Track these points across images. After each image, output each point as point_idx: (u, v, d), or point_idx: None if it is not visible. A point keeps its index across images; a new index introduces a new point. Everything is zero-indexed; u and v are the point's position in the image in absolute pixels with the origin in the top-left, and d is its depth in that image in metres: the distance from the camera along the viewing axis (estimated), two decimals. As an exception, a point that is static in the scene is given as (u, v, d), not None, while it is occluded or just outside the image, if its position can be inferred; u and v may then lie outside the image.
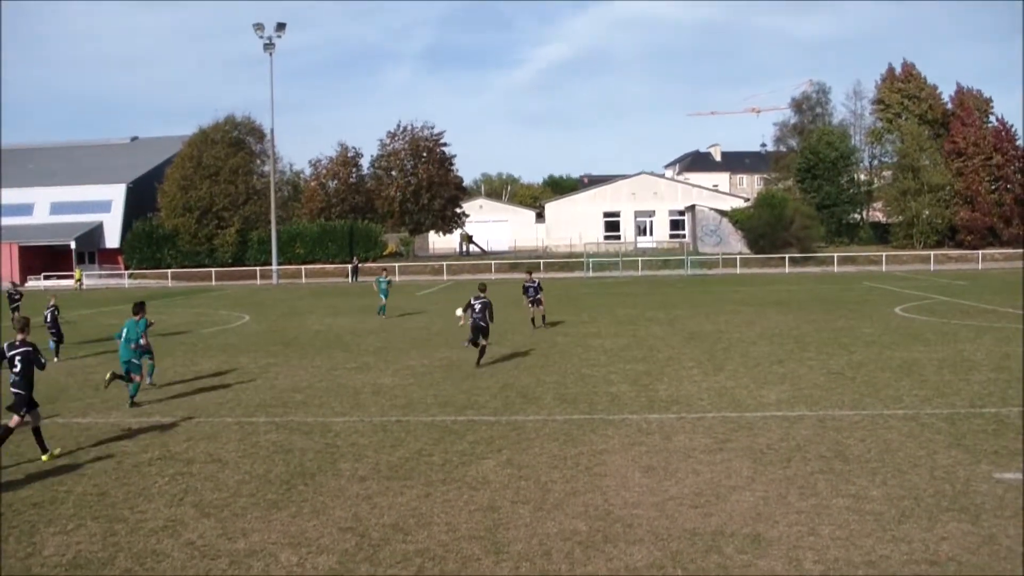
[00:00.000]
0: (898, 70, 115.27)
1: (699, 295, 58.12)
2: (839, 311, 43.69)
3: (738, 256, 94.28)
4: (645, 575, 10.92)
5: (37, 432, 17.28)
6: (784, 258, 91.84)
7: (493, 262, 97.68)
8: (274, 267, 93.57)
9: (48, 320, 33.57)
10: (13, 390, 17.02)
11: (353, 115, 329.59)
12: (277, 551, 12.04)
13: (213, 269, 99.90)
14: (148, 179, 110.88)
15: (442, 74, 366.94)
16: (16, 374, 16.92)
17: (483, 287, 29.96)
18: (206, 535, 12.75)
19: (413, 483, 15.14)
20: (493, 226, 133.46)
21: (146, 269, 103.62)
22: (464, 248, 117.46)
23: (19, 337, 17.06)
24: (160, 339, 37.92)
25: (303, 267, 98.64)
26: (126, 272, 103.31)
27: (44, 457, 17.06)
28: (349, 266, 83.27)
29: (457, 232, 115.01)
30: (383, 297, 46.64)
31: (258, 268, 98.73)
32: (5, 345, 17.09)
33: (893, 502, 13.39)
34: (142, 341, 23.50)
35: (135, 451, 17.87)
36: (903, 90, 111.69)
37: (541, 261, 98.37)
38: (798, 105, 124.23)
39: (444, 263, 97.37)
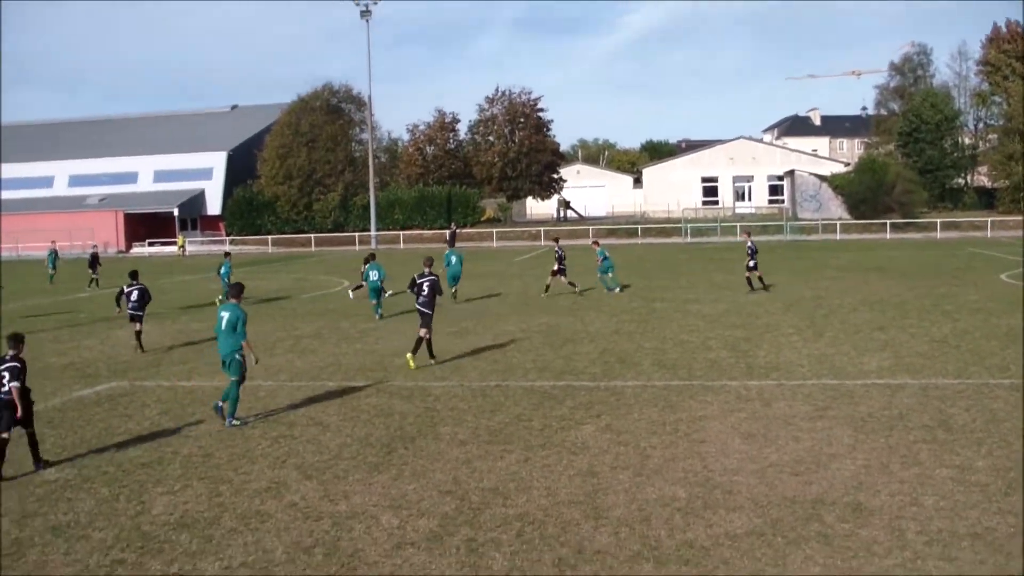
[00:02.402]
0: (1004, 30, 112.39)
1: (799, 261, 57.47)
2: (942, 278, 42.91)
3: (838, 222, 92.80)
4: (746, 542, 10.88)
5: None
6: (885, 224, 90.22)
7: (590, 227, 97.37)
8: (372, 233, 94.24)
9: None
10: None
11: (448, 83, 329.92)
12: (378, 513, 12.20)
13: (312, 235, 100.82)
14: (248, 147, 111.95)
15: (535, 40, 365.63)
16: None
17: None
18: (308, 497, 12.96)
19: (512, 447, 15.23)
20: (590, 191, 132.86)
21: (247, 235, 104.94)
22: (562, 214, 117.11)
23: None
24: (260, 305, 38.53)
25: (401, 233, 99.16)
26: (227, 238, 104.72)
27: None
28: (447, 231, 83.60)
29: (554, 198, 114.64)
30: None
31: (357, 234, 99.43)
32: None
33: (999, 473, 13.17)
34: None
35: (239, 414, 18.13)
36: (1009, 51, 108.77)
37: (639, 227, 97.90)
38: (899, 68, 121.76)
39: (541, 229, 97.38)
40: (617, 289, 39.68)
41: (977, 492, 12.40)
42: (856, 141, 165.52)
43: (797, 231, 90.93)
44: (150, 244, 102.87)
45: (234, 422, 17.50)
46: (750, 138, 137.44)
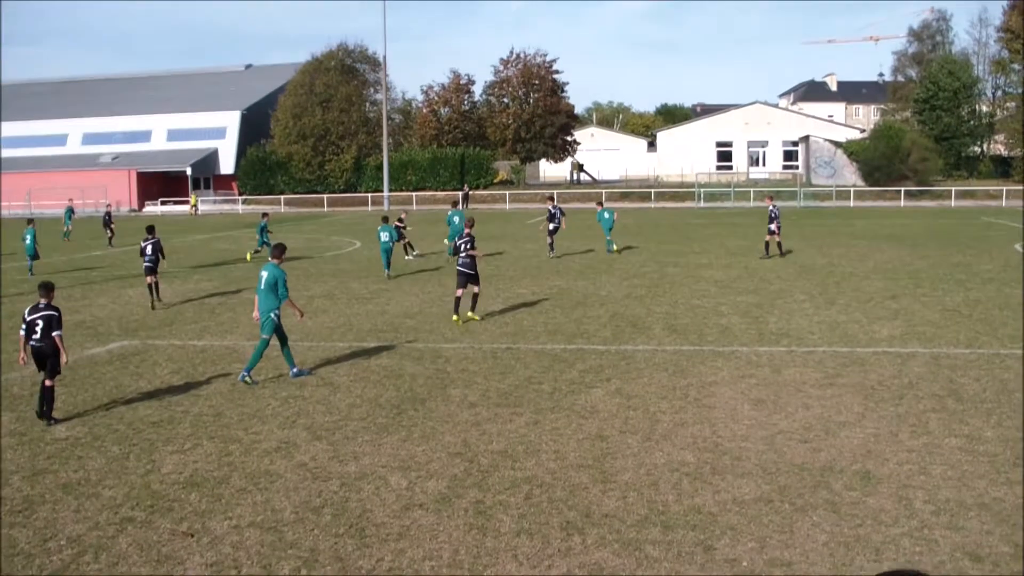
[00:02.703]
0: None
1: (812, 227, 57.31)
2: (956, 246, 42.77)
3: (852, 188, 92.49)
4: (753, 508, 10.91)
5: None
6: (900, 191, 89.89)
7: (604, 191, 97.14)
8: (385, 194, 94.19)
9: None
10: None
11: (464, 43, 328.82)
12: (387, 474, 12.25)
13: (325, 196, 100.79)
14: (262, 106, 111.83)
15: (553, 1, 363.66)
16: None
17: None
18: (318, 457, 13.02)
19: (522, 410, 15.28)
20: (604, 155, 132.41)
21: (259, 195, 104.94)
22: (575, 176, 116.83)
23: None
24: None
25: (414, 194, 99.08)
26: (240, 198, 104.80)
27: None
28: (459, 193, 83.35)
29: (568, 161, 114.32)
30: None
31: (369, 195, 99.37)
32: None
33: (1008, 444, 13.16)
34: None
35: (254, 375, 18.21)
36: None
37: (652, 191, 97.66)
38: (918, 34, 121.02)
39: (555, 191, 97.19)
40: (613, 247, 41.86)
41: (985, 462, 12.40)
42: (872, 107, 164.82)
43: (811, 197, 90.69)
44: (163, 203, 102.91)
45: (245, 376, 17.66)
46: (766, 103, 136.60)
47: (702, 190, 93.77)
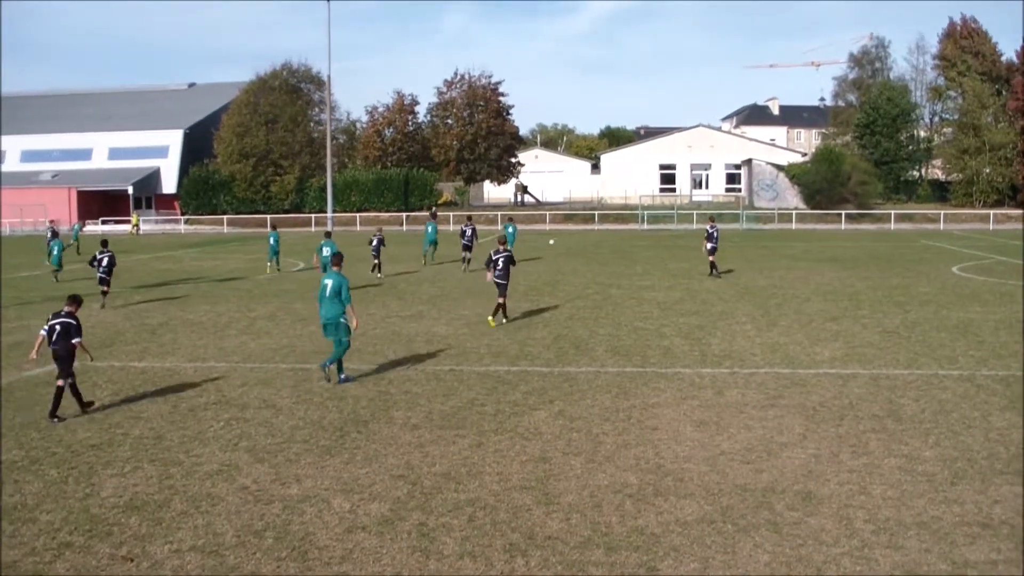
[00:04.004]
0: (959, 25, 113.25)
1: (754, 250, 57.79)
2: (895, 269, 43.31)
3: (794, 211, 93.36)
4: (696, 529, 10.96)
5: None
6: (840, 214, 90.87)
7: (548, 212, 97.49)
8: (329, 214, 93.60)
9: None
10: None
11: (410, 63, 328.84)
12: (330, 497, 12.19)
13: (268, 216, 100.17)
14: (205, 125, 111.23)
15: (498, 21, 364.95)
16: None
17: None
18: (260, 480, 12.93)
19: (465, 432, 15.26)
20: (548, 177, 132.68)
21: (202, 215, 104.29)
22: (519, 198, 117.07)
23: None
24: (215, 285, 38.40)
25: (358, 215, 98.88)
26: (182, 218, 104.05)
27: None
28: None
29: (512, 182, 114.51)
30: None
31: (313, 215, 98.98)
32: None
33: (946, 463, 13.34)
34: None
35: (190, 395, 18.13)
36: (964, 46, 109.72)
37: (596, 212, 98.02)
38: (858, 60, 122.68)
39: (498, 213, 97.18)
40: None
41: (924, 482, 12.55)
42: (814, 131, 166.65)
43: (753, 220, 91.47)
44: (103, 222, 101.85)
45: (343, 378, 19.22)
46: (708, 126, 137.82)
47: (645, 212, 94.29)
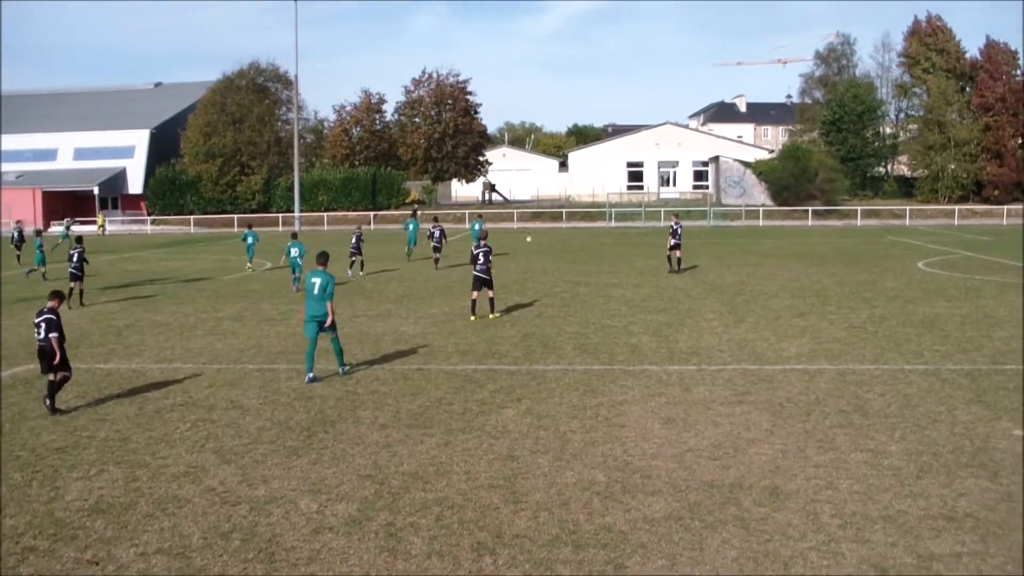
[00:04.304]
0: (924, 23, 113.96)
1: (721, 246, 58.00)
2: (861, 265, 43.56)
3: (761, 208, 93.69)
4: (664, 526, 10.97)
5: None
6: (807, 211, 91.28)
7: (515, 211, 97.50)
8: (296, 214, 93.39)
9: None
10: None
11: (379, 62, 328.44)
12: (297, 498, 12.14)
13: (235, 216, 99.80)
14: (171, 125, 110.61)
15: (468, 20, 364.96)
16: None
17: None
18: (227, 481, 12.86)
19: (433, 431, 15.23)
20: (516, 175, 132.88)
21: (169, 215, 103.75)
22: (487, 196, 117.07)
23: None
24: (181, 285, 38.23)
25: (325, 214, 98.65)
26: (149, 218, 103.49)
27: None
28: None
29: (480, 180, 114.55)
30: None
31: (280, 215, 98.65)
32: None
33: (912, 457, 13.42)
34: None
35: (157, 397, 18.02)
36: (929, 43, 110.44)
37: (564, 211, 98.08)
38: (824, 58, 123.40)
39: (466, 211, 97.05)
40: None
41: (890, 476, 12.62)
42: (780, 128, 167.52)
43: (721, 217, 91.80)
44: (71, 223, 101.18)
45: (344, 370, 19.92)
46: (676, 124, 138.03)
47: (613, 210, 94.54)
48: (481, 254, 27.76)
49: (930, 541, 10.45)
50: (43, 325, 16.85)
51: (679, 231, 40.74)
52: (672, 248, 40.71)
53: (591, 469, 13.11)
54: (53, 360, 16.79)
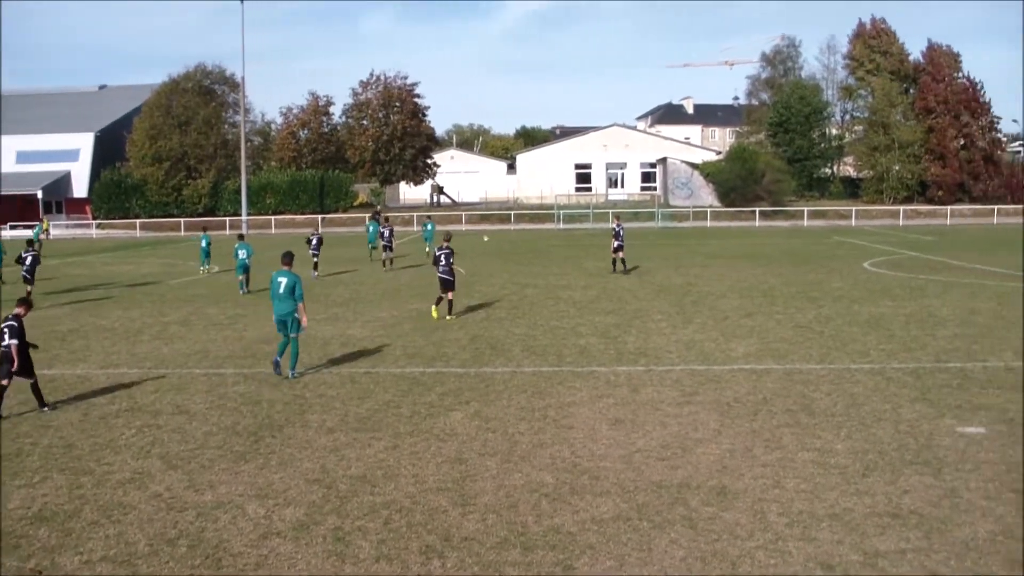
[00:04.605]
0: (868, 26, 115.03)
1: (669, 247, 58.28)
2: (808, 265, 43.92)
3: (709, 209, 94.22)
4: (612, 527, 10.99)
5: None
6: (755, 212, 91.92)
7: (464, 213, 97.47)
8: (244, 217, 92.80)
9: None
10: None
11: (328, 65, 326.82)
12: (244, 503, 12.05)
13: (182, 219, 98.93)
14: (117, 128, 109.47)
15: (417, 22, 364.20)
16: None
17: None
18: (173, 487, 12.74)
19: (381, 435, 15.19)
20: (464, 177, 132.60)
21: (114, 219, 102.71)
22: (435, 199, 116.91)
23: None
24: (127, 290, 37.90)
25: (273, 218, 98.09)
26: (94, 222, 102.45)
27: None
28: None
29: (428, 183, 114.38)
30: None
31: (228, 219, 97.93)
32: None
33: (858, 456, 13.54)
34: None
35: (102, 403, 17.85)
36: (873, 46, 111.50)
37: (512, 212, 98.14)
38: (770, 60, 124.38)
39: (415, 214, 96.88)
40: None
41: (836, 474, 12.72)
42: (728, 130, 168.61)
43: (668, 218, 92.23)
44: (11, 227, 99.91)
45: (294, 374, 19.89)
46: (624, 125, 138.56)
47: (561, 212, 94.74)
48: (443, 255, 28.26)
49: (875, 538, 10.54)
50: (5, 331, 16.90)
51: (621, 232, 41.33)
52: (615, 250, 41.20)
53: (539, 471, 13.11)
54: (12, 366, 16.82)
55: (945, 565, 9.86)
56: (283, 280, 19.90)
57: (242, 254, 36.60)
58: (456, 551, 10.41)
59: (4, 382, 16.87)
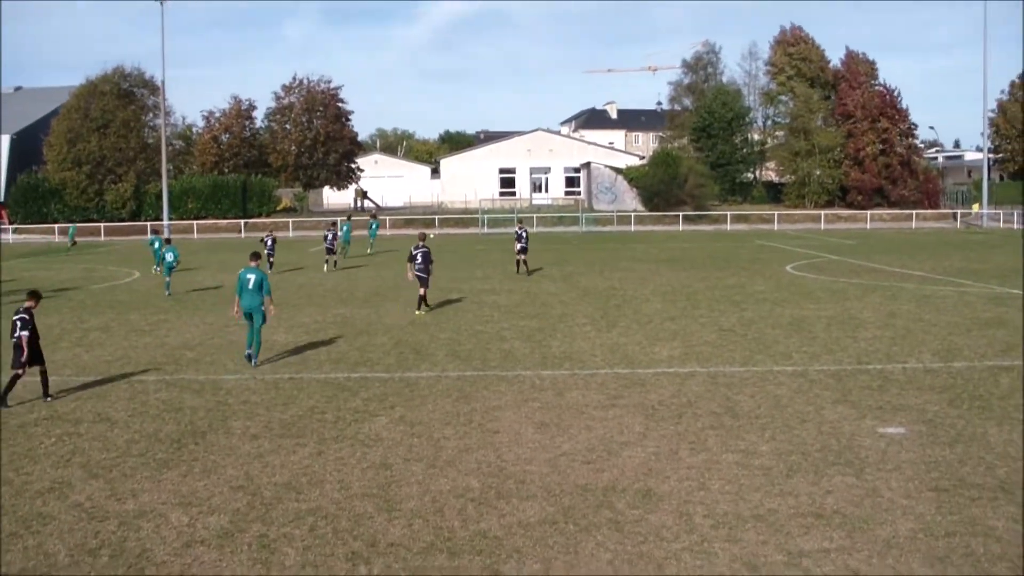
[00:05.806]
0: (788, 33, 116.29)
1: (593, 252, 58.50)
2: (731, 269, 44.34)
3: (632, 213, 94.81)
4: (538, 531, 10.99)
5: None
6: (678, 216, 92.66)
7: (388, 218, 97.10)
8: (166, 222, 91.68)
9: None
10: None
11: (251, 69, 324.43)
12: (167, 511, 11.90)
13: (102, 224, 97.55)
14: (33, 130, 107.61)
15: (341, 27, 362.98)
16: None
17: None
18: (94, 496, 12.55)
19: (306, 441, 15.08)
20: (388, 182, 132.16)
21: (32, 224, 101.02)
22: (359, 203, 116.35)
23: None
24: (47, 296, 37.23)
25: (195, 222, 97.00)
26: (10, 227, 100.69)
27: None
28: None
29: (352, 187, 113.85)
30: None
31: (149, 223, 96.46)
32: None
33: (781, 457, 13.67)
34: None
35: (20, 411, 17.54)
36: (793, 53, 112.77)
37: (436, 217, 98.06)
38: (691, 66, 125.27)
39: (338, 219, 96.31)
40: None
41: (760, 475, 12.83)
42: (651, 135, 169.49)
43: (592, 222, 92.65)
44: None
45: (255, 363, 21.48)
46: (548, 130, 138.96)
47: (486, 216, 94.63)
48: (420, 255, 30.28)
49: (799, 538, 10.65)
50: (18, 323, 18.01)
51: (524, 236, 42.63)
52: (519, 252, 42.51)
53: (465, 475, 13.09)
54: (23, 356, 17.88)
55: (867, 564, 9.98)
56: (251, 276, 21.75)
57: (169, 257, 37.64)
58: (382, 557, 10.36)
59: (20, 372, 17.88)
